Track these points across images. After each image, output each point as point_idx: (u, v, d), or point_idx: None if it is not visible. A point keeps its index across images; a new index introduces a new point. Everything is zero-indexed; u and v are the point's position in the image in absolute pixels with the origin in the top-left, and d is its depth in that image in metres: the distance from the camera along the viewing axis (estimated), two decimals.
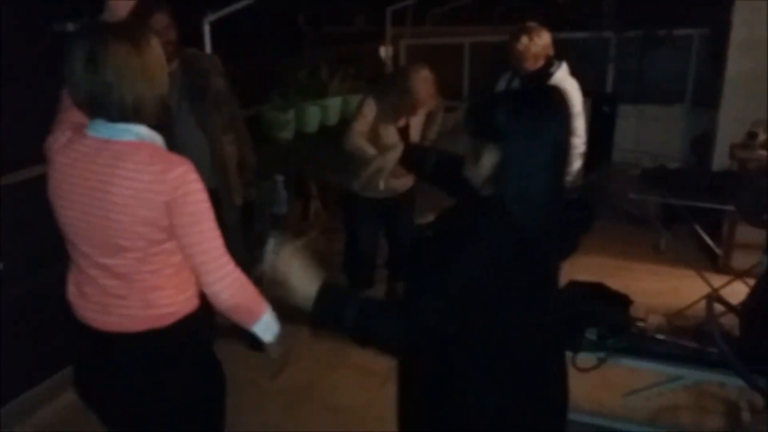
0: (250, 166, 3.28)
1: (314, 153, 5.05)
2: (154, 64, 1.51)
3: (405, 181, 3.47)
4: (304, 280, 1.35)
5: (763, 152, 4.09)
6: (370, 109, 3.24)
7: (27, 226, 2.70)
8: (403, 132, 3.36)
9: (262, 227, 4.30)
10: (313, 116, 4.91)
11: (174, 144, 2.70)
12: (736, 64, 4.41)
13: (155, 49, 1.52)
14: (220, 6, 3.69)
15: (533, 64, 3.24)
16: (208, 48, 3.64)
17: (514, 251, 1.26)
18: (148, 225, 1.50)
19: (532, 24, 3.29)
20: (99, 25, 1.64)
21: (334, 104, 5.10)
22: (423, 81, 3.14)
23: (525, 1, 7.32)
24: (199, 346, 1.75)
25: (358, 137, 3.21)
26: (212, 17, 3.65)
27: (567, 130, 1.34)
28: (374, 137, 3.25)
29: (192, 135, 2.86)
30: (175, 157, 1.54)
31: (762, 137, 4.14)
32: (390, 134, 3.27)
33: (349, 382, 3.25)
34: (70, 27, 2.93)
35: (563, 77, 3.25)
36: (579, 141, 3.24)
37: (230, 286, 1.58)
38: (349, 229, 3.74)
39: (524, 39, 3.20)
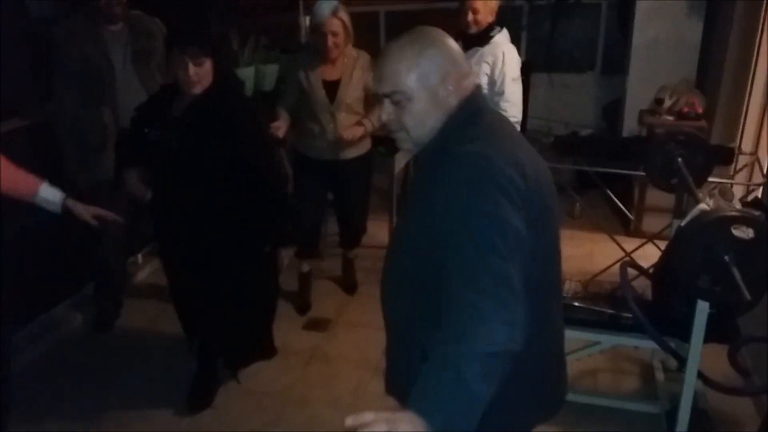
0: None
1: None
2: None
3: (355, 148, 3.39)
4: None
5: (669, 117, 4.22)
6: (292, 77, 3.36)
7: None
8: (332, 85, 3.28)
9: None
10: None
11: (116, 101, 3.13)
12: (641, 32, 4.49)
13: None
14: None
15: (482, 24, 3.18)
16: None
17: None
18: None
19: None
20: None
21: (247, 74, 4.84)
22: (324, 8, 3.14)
23: None
24: None
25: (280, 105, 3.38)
26: None
27: None
28: (304, 97, 3.31)
29: (135, 94, 3.00)
30: None
31: (668, 103, 4.26)
32: (316, 88, 3.28)
33: (270, 364, 3.11)
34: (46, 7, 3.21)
35: (502, 41, 3.21)
36: (511, 108, 3.14)
37: None
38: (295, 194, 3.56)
39: None
